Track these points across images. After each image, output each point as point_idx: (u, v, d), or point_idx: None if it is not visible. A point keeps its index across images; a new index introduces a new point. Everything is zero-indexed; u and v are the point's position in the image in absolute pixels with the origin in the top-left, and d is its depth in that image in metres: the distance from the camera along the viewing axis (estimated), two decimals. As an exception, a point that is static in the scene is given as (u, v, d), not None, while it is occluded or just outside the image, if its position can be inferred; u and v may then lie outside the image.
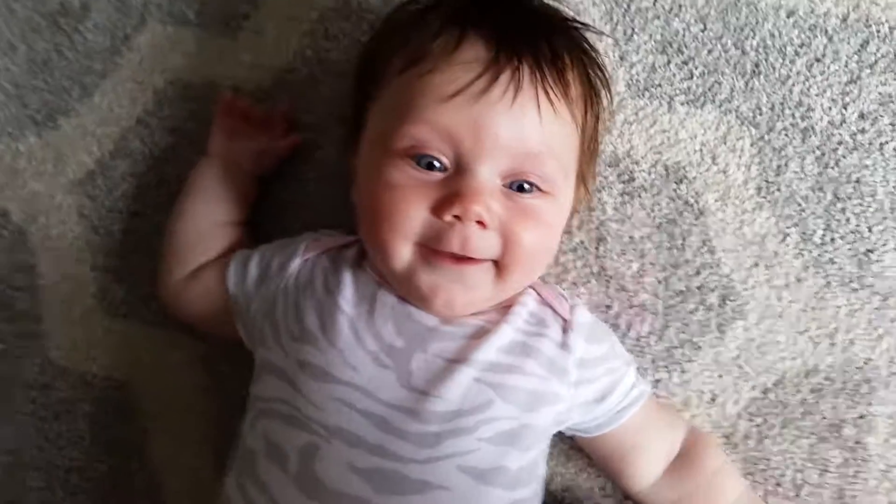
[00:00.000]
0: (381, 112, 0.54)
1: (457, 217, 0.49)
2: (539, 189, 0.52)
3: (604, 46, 0.64)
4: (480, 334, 0.53)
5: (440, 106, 0.49)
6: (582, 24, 0.58)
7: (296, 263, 0.57)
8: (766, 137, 0.62)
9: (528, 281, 0.56)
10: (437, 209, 0.50)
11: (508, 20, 0.53)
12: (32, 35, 0.72)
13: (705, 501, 0.58)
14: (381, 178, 0.51)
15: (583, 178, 0.57)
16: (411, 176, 0.50)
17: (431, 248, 0.51)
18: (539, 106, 0.50)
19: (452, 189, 0.50)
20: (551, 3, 0.58)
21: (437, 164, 0.50)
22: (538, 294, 0.57)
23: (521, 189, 0.51)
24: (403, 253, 0.51)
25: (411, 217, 0.50)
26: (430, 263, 0.51)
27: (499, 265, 0.52)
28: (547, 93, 0.51)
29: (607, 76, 0.59)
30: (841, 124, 0.62)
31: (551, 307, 0.56)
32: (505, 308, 0.55)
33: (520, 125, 0.50)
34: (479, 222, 0.49)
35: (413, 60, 0.51)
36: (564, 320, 0.56)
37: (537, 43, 0.52)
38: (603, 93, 0.58)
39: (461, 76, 0.49)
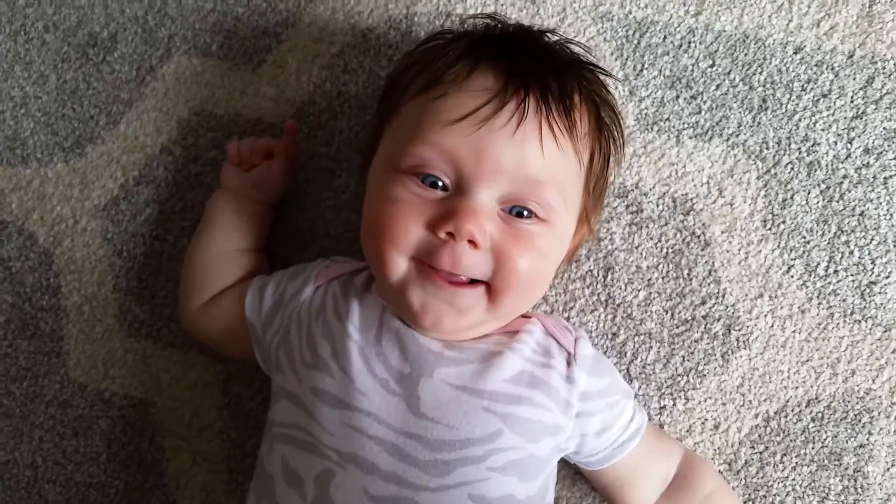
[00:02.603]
0: (391, 134, 0.62)
1: (450, 235, 0.56)
2: (537, 216, 0.58)
3: (613, 81, 0.73)
4: (486, 359, 0.60)
5: (445, 129, 0.57)
6: (593, 65, 0.65)
7: (308, 290, 0.65)
8: (773, 171, 0.71)
9: (521, 308, 0.63)
10: (433, 225, 0.57)
11: (522, 56, 0.60)
12: (62, 65, 0.83)
13: None
14: (384, 193, 0.59)
15: (586, 215, 0.65)
16: (413, 192, 0.58)
17: (425, 265, 0.57)
18: (542, 137, 0.57)
19: (450, 207, 0.57)
20: (565, 40, 0.66)
21: (439, 183, 0.58)
22: (543, 325, 0.64)
23: (519, 215, 0.58)
24: (399, 265, 0.58)
25: (408, 231, 0.57)
26: (424, 280, 0.58)
27: (491, 289, 0.58)
28: (551, 125, 0.58)
29: (619, 116, 0.67)
30: (846, 159, 0.71)
31: (556, 339, 0.63)
32: (510, 334, 0.62)
33: (521, 153, 0.57)
34: (472, 242, 0.56)
35: (426, 86, 0.60)
36: (569, 353, 0.63)
37: (546, 79, 0.59)
38: (615, 132, 0.66)
39: (468, 102, 0.57)
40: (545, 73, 0.60)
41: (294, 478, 0.59)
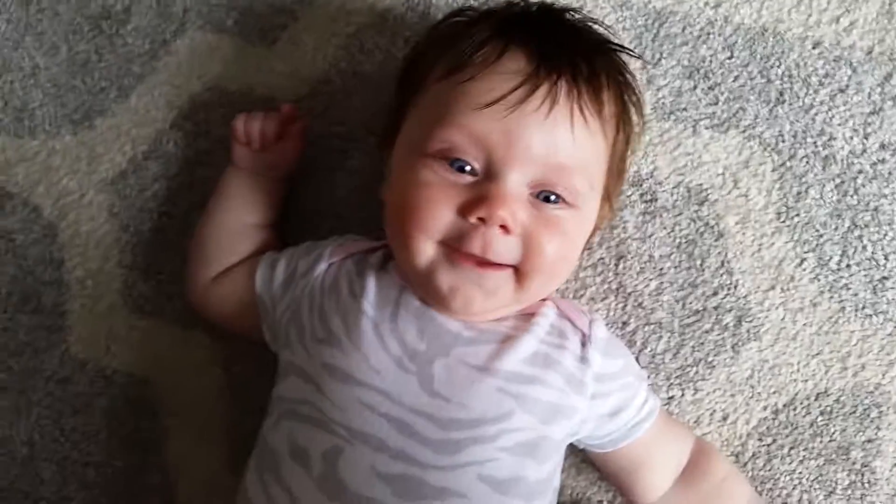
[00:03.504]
0: (419, 115, 0.63)
1: (481, 220, 0.57)
2: (565, 201, 0.60)
3: (632, 69, 0.76)
4: (503, 341, 0.62)
5: (476, 113, 0.58)
6: (619, 46, 0.67)
7: (321, 267, 0.67)
8: (788, 164, 0.74)
9: (548, 290, 0.65)
10: (464, 210, 0.58)
11: (551, 37, 0.62)
12: (74, 37, 0.84)
13: None
14: (413, 177, 0.60)
15: (608, 195, 0.67)
16: (442, 176, 0.59)
17: (454, 248, 0.59)
18: (573, 121, 0.59)
19: (480, 193, 0.58)
20: (588, 19, 0.68)
21: (468, 167, 0.59)
22: (557, 307, 0.66)
23: (547, 199, 0.60)
24: (427, 250, 0.59)
25: (438, 215, 0.58)
26: (453, 263, 0.59)
27: (519, 272, 0.60)
28: (581, 109, 0.59)
29: (641, 100, 0.68)
30: (861, 154, 0.73)
31: (570, 320, 0.65)
32: (527, 316, 0.64)
33: (552, 137, 0.58)
34: (503, 227, 0.57)
35: (454, 68, 0.60)
36: (583, 334, 0.65)
37: (577, 61, 0.60)
38: (635, 113, 0.67)
39: (500, 86, 0.58)
40: (575, 55, 0.61)
41: (301, 453, 0.60)
